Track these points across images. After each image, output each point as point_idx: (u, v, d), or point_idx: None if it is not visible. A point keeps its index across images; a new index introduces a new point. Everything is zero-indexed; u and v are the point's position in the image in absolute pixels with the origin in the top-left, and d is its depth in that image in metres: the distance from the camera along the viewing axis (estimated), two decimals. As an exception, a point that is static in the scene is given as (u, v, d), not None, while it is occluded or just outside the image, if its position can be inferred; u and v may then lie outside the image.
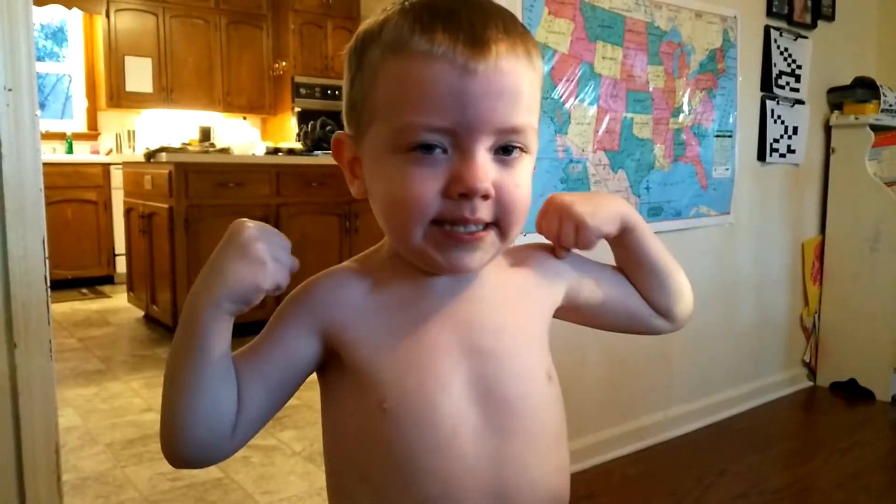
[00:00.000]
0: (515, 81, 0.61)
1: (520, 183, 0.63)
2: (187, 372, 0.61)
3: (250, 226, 0.61)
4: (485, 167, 0.60)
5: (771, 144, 2.68)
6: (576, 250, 0.75)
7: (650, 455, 2.29)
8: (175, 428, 0.62)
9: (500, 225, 0.63)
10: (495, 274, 0.70)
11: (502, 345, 0.67)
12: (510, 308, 0.70)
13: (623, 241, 0.76)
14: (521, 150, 0.64)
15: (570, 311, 0.77)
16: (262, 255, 0.59)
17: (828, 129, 2.95)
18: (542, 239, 0.76)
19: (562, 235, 0.72)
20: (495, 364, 0.66)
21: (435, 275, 0.67)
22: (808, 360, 3.03)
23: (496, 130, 0.61)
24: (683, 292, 0.79)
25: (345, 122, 0.69)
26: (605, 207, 0.74)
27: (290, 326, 0.67)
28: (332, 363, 0.68)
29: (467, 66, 0.59)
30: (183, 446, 0.63)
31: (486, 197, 0.61)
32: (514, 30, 0.62)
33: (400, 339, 0.66)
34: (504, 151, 0.63)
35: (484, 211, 0.61)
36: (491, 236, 0.63)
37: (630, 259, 0.78)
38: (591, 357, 2.19)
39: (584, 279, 0.76)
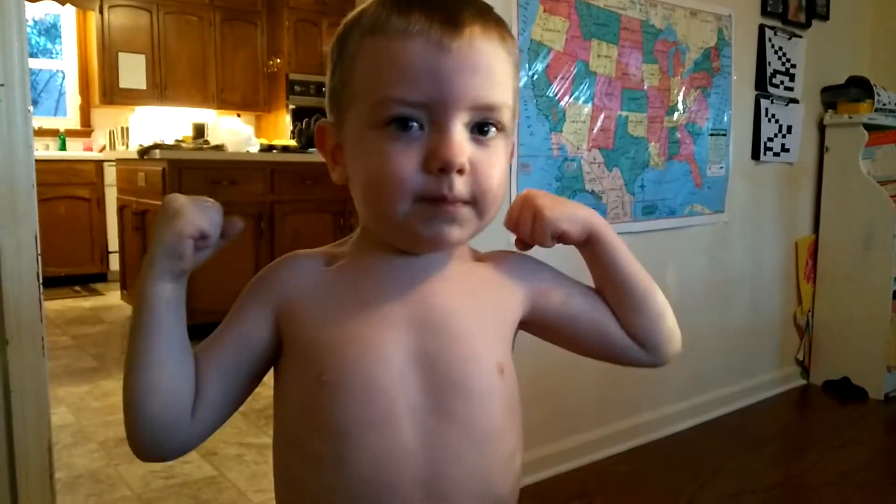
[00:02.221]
0: (490, 61, 0.63)
1: (495, 163, 0.64)
2: (137, 346, 0.62)
3: (174, 194, 0.64)
4: (460, 142, 0.61)
5: (765, 143, 2.68)
6: (541, 252, 0.73)
7: (644, 453, 2.30)
8: (130, 410, 0.62)
9: (476, 203, 0.64)
10: (458, 264, 0.71)
11: (451, 325, 0.67)
12: (467, 294, 0.70)
13: (592, 252, 0.74)
14: (497, 128, 0.64)
15: (540, 327, 0.74)
16: (180, 206, 0.61)
17: (822, 128, 2.96)
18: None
19: (520, 223, 0.71)
20: (441, 342, 0.66)
21: (397, 255, 0.67)
22: (801, 359, 3.04)
23: (471, 107, 0.62)
24: (664, 314, 0.76)
25: (327, 112, 0.70)
26: (569, 208, 0.72)
27: (245, 308, 0.69)
28: (282, 346, 0.69)
29: (442, 42, 0.60)
30: (140, 428, 0.63)
31: (461, 172, 0.61)
32: (488, 15, 0.64)
33: (345, 312, 0.66)
34: (480, 131, 0.63)
35: (461, 188, 0.62)
36: (469, 210, 0.64)
37: (602, 273, 0.75)
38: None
39: (553, 289, 0.74)
